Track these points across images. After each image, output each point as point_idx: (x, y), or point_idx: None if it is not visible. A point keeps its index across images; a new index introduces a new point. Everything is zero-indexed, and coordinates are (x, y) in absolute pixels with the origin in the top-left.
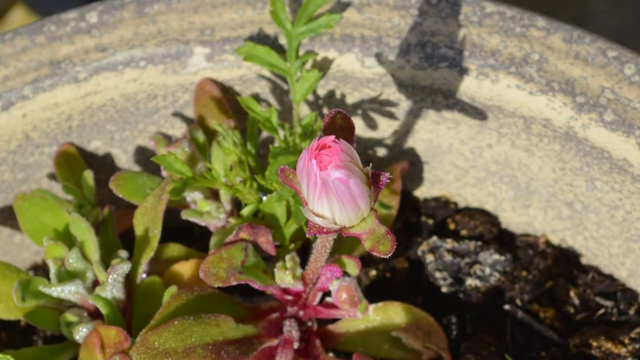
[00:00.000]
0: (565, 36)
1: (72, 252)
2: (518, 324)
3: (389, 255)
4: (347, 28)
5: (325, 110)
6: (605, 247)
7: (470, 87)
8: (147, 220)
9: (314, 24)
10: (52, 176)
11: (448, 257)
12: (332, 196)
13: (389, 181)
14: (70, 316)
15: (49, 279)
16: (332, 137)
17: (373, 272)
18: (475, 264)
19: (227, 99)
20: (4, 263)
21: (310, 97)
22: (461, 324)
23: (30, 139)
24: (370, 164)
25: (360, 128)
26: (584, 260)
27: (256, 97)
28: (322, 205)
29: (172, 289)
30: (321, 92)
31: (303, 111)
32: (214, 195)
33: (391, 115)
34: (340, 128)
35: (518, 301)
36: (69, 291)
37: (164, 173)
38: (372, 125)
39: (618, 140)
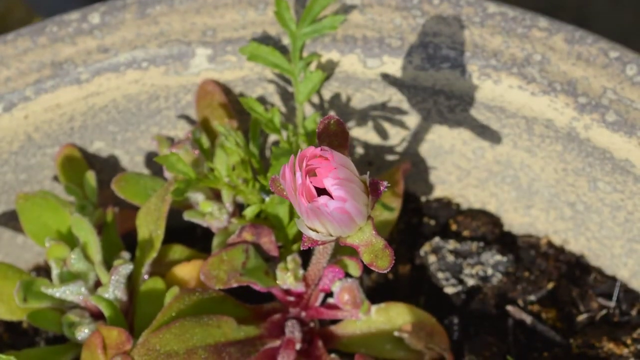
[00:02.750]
0: (567, 37)
1: (74, 253)
2: (520, 325)
3: (388, 270)
4: (349, 29)
5: (327, 111)
6: (608, 247)
7: (472, 88)
8: (150, 221)
9: (318, 24)
10: (54, 177)
11: (450, 258)
12: (325, 219)
13: (386, 189)
14: (72, 317)
15: (51, 279)
16: (317, 151)
17: (375, 273)
18: (477, 264)
19: (230, 100)
20: (6, 264)
21: (313, 98)
22: (463, 325)
23: (32, 140)
24: (368, 173)
25: (362, 129)
26: (586, 261)
27: (258, 98)
28: (313, 223)
29: (174, 290)
30: (323, 93)
31: (306, 112)
32: (216, 196)
33: (393, 117)
34: (334, 134)
35: (520, 302)
36: (71, 292)
37: (166, 174)
38: (374, 126)
39: (620, 141)
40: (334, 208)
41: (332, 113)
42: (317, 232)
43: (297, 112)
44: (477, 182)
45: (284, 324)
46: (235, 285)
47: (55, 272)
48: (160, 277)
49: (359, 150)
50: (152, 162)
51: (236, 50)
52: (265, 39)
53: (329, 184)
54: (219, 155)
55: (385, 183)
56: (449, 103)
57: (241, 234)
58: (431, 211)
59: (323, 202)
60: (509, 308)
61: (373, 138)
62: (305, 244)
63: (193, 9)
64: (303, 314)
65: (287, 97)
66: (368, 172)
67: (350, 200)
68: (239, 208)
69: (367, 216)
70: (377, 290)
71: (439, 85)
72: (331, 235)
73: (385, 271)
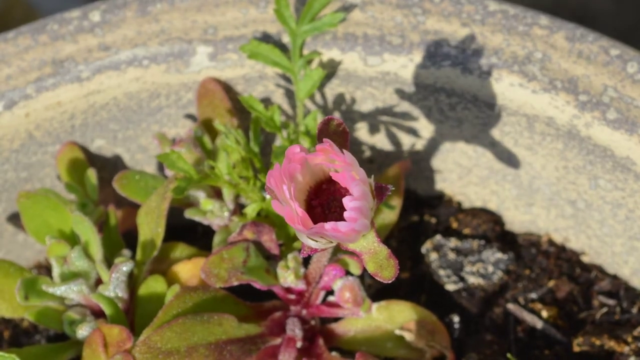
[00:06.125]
0: (568, 34)
1: (74, 250)
2: (521, 323)
3: (392, 280)
4: (350, 27)
5: (328, 109)
6: (608, 245)
7: (473, 86)
8: (151, 219)
9: (318, 22)
10: (55, 175)
11: (451, 256)
12: (327, 236)
13: (390, 193)
14: (73, 315)
15: (52, 277)
16: (301, 154)
17: None
18: (478, 262)
19: (231, 98)
20: (7, 261)
21: (313, 96)
22: (464, 323)
23: (33, 138)
24: (373, 176)
25: (363, 127)
26: (587, 259)
27: (259, 96)
28: (312, 235)
29: (175, 288)
30: (324, 91)
31: (306, 110)
32: (217, 194)
33: (394, 114)
34: (335, 134)
35: (521, 300)
36: (72, 290)
37: (167, 172)
38: (374, 124)
39: (621, 139)
40: (344, 231)
41: (335, 114)
42: (316, 241)
43: (297, 110)
44: (478, 180)
45: (285, 322)
46: (236, 283)
47: (56, 270)
48: (161, 275)
49: (360, 148)
50: (153, 160)
51: (237, 48)
52: (267, 37)
53: (347, 201)
54: (219, 153)
55: (390, 186)
56: (449, 101)
57: (242, 232)
58: (432, 209)
59: (330, 227)
60: (510, 306)
61: (374, 136)
62: (305, 251)
63: (194, 7)
64: (304, 312)
65: (288, 95)
66: (372, 176)
67: (361, 219)
68: (239, 206)
69: (370, 221)
70: (378, 288)
71: (439, 83)
72: (331, 242)
73: (389, 281)
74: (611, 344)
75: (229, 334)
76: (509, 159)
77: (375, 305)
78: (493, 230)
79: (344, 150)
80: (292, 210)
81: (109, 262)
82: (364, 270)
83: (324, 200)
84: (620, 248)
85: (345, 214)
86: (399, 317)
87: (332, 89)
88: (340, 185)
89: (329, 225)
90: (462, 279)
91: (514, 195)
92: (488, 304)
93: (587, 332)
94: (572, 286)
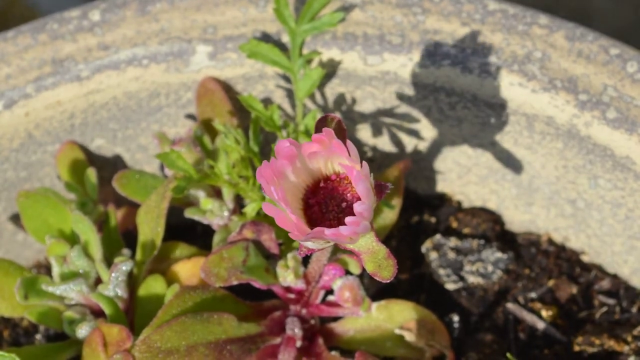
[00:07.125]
0: (568, 34)
1: (74, 250)
2: (521, 322)
3: (391, 280)
4: (349, 26)
5: (328, 108)
6: (608, 245)
7: (473, 85)
8: (150, 219)
9: (318, 22)
10: (55, 175)
11: (451, 255)
12: (327, 238)
13: (389, 191)
14: (72, 314)
15: (51, 277)
16: (292, 149)
17: None
18: (478, 261)
19: (230, 97)
20: (7, 261)
21: (313, 96)
22: (464, 322)
23: (32, 137)
24: (372, 175)
25: (362, 126)
26: (586, 258)
27: (259, 96)
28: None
29: (175, 287)
30: (324, 90)
31: (307, 109)
32: (217, 193)
33: (393, 114)
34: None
35: (521, 299)
36: (72, 289)
37: (167, 171)
38: (374, 123)
39: (621, 138)
40: (347, 234)
41: (336, 113)
42: (313, 242)
43: (296, 109)
44: (478, 179)
45: (285, 321)
46: (235, 282)
47: (55, 269)
48: (160, 274)
49: (360, 147)
50: (153, 160)
51: (237, 47)
52: (266, 37)
53: (357, 206)
54: (219, 152)
55: (389, 185)
56: (449, 100)
57: (242, 231)
58: (432, 208)
59: (331, 233)
60: (510, 305)
61: (374, 135)
62: (302, 251)
63: (193, 6)
64: (304, 311)
65: (288, 95)
66: (372, 174)
67: (363, 222)
68: (239, 206)
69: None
70: (378, 287)
71: (439, 83)
72: (329, 243)
73: (388, 281)
74: (611, 343)
75: (229, 333)
76: (509, 159)
77: (374, 305)
78: (493, 229)
79: (348, 141)
80: (285, 215)
81: (108, 262)
82: (364, 269)
83: (321, 199)
84: (620, 247)
85: (350, 219)
86: (398, 317)
87: (332, 89)
88: (338, 184)
89: (329, 232)
90: (461, 279)
91: (513, 194)
92: (488, 304)
93: (587, 332)
94: (572, 285)
